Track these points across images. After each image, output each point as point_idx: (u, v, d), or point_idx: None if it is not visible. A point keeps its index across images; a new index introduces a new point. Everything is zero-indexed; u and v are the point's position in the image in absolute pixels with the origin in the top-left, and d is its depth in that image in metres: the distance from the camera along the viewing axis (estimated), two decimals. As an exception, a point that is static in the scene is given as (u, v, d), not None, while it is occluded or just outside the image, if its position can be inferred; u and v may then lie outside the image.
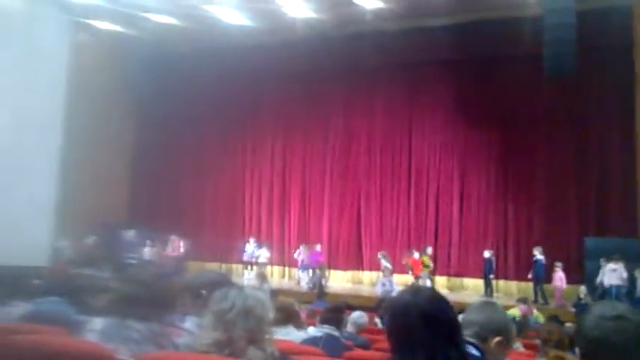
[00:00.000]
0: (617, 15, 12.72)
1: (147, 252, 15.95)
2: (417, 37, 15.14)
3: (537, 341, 6.42)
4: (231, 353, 1.96)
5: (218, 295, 2.09)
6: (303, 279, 15.67)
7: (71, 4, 14.87)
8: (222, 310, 2.01)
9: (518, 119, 15.41)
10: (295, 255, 16.23)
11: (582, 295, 12.25)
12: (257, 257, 16.50)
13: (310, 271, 15.33)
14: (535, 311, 10.21)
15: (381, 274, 14.24)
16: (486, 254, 14.25)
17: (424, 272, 14.01)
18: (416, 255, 14.64)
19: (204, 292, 2.63)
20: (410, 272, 14.44)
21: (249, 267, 16.68)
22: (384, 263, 14.87)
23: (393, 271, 14.03)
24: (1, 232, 12.89)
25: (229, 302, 2.02)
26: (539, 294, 13.44)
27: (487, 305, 2.29)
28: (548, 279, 13.43)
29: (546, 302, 13.17)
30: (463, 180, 15.92)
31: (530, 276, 13.78)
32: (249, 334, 1.98)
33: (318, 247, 15.92)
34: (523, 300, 10.29)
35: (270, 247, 16.88)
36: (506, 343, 2.18)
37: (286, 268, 17.30)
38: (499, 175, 15.60)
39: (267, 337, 2.05)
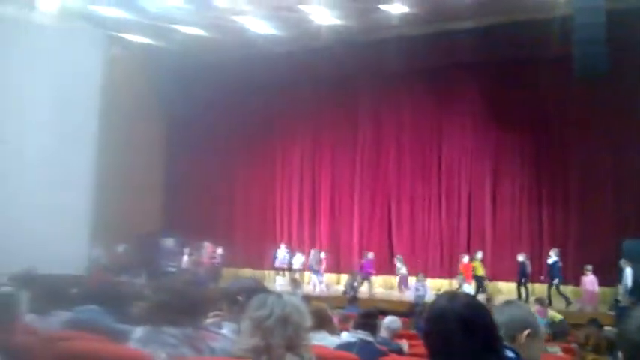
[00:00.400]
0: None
1: (185, 260, 16.18)
2: (444, 40, 15.04)
3: (574, 345, 6.31)
4: (268, 359, 1.98)
5: (256, 301, 2.10)
6: (319, 283, 15.72)
7: (104, 18, 15.23)
8: (260, 317, 2.02)
9: (550, 121, 15.20)
10: (310, 259, 16.24)
11: (620, 298, 11.96)
12: (290, 263, 16.55)
13: (361, 278, 15.09)
14: (550, 312, 9.95)
15: (414, 278, 14.12)
16: (520, 258, 14.03)
17: (459, 277, 13.77)
18: (465, 259, 14.38)
19: (240, 298, 2.68)
20: (459, 278, 14.20)
21: (280, 273, 16.77)
22: (400, 267, 14.97)
23: (426, 275, 13.94)
24: (40, 242, 13.26)
25: (268, 309, 2.03)
26: (561, 295, 13.19)
27: (508, 304, 2.28)
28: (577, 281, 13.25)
29: (569, 302, 12.96)
30: (495, 183, 15.73)
31: (542, 277, 13.65)
32: (287, 341, 2.00)
33: (370, 255, 15.58)
34: (539, 300, 10.10)
35: (302, 253, 16.92)
36: (534, 336, 2.16)
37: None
38: (532, 178, 15.38)
39: (304, 343, 2.06)
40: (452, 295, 1.87)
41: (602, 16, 11.59)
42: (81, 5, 14.63)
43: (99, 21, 15.50)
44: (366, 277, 15.12)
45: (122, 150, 16.84)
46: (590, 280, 12.85)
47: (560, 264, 13.43)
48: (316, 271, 15.96)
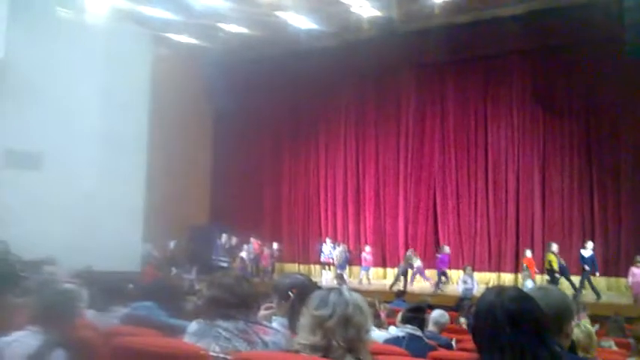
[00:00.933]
0: None
1: (244, 255, 16.35)
2: (487, 28, 14.80)
3: (631, 340, 6.14)
4: (325, 356, 1.97)
5: (317, 298, 2.07)
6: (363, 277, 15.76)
7: (150, 19, 15.59)
8: (322, 315, 2.00)
9: (600, 106, 14.65)
10: (336, 254, 16.21)
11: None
12: (333, 257, 16.59)
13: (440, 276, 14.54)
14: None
15: (461, 272, 13.93)
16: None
17: (524, 273, 12.91)
18: (528, 254, 13.77)
19: (291, 294, 2.73)
20: (524, 274, 13.41)
21: (326, 267, 16.84)
22: (415, 260, 14.82)
23: (473, 269, 13.71)
24: (96, 240, 13.72)
25: (329, 309, 2.00)
26: (592, 289, 12.71)
27: (543, 290, 2.18)
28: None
29: (599, 297, 12.50)
30: (544, 173, 15.29)
31: (586, 267, 12.91)
32: (348, 342, 1.98)
33: (447, 249, 14.92)
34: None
35: (347, 248, 16.90)
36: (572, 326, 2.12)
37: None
38: (582, 166, 14.89)
39: (365, 344, 2.03)
40: (500, 289, 1.86)
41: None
42: (128, 7, 15.01)
43: (146, 21, 15.88)
44: (443, 272, 14.57)
45: (171, 146, 17.25)
46: None
47: (594, 257, 12.96)
48: (341, 266, 15.92)
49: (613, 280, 13.69)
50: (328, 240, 17.03)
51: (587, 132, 14.88)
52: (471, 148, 16.26)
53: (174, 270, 15.21)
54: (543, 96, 15.34)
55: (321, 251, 16.97)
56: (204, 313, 2.71)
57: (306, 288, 2.70)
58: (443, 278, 14.50)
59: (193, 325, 2.68)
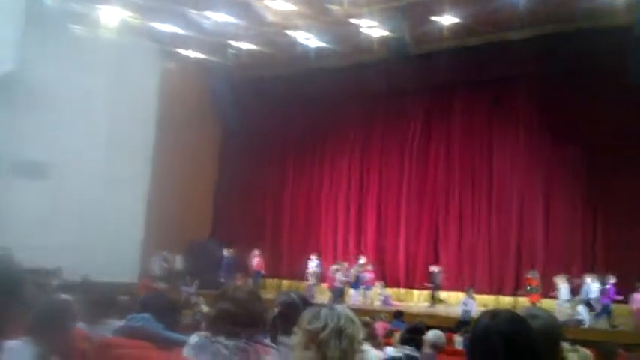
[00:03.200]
0: None
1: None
2: (497, 51, 14.84)
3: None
4: None
5: (309, 314, 2.08)
6: (353, 296, 15.43)
7: (160, 34, 15.76)
8: (314, 329, 2.00)
9: (605, 134, 14.56)
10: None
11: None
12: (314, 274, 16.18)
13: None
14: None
15: (461, 294, 13.82)
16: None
17: (577, 298, 12.54)
18: (532, 274, 13.60)
19: (276, 310, 2.71)
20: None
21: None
22: (339, 276, 15.15)
23: (472, 291, 13.54)
24: (93, 250, 13.74)
25: (322, 322, 2.01)
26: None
27: (531, 315, 2.11)
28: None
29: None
30: (548, 198, 15.21)
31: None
32: (343, 354, 1.98)
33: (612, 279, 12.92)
34: None
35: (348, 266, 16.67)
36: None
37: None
38: (587, 193, 14.80)
39: (358, 356, 2.04)
40: (495, 312, 1.85)
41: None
42: (139, 22, 15.18)
43: (155, 36, 16.06)
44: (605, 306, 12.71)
45: (176, 159, 17.34)
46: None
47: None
48: (354, 285, 15.76)
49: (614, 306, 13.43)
50: (313, 256, 16.58)
51: (592, 160, 14.75)
52: (476, 169, 16.26)
53: (175, 283, 15.09)
54: (550, 120, 15.32)
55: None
56: (209, 327, 2.64)
57: (290, 305, 2.68)
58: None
59: (194, 338, 2.61)
